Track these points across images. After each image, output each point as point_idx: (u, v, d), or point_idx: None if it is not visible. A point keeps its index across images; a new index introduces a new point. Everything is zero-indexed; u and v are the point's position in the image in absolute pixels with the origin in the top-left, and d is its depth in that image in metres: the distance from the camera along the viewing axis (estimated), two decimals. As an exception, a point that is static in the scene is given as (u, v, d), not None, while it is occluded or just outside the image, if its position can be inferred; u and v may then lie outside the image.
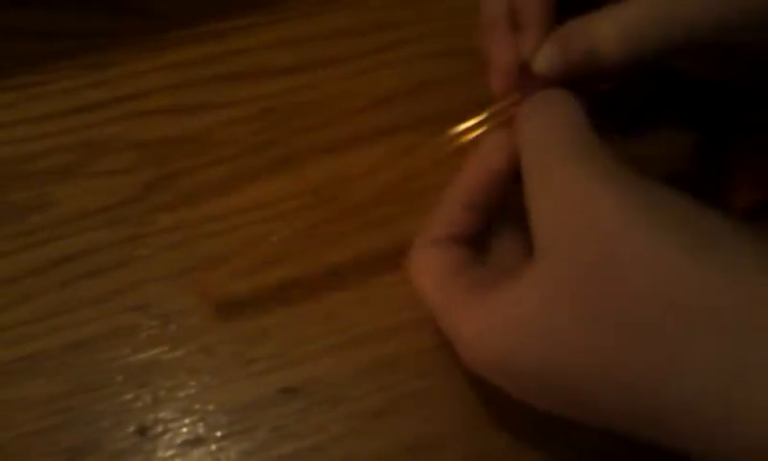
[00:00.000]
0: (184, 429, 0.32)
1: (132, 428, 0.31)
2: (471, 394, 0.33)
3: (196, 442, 0.31)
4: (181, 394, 0.32)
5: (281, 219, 0.38)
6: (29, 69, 0.41)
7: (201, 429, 0.32)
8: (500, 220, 0.31)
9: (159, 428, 0.32)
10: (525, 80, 0.30)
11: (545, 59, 0.29)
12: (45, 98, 0.41)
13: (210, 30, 0.44)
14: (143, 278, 0.35)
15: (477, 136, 0.31)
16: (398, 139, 0.40)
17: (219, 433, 0.32)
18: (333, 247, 0.36)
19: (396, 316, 0.35)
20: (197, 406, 0.32)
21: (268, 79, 0.42)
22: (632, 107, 0.34)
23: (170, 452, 0.31)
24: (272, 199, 0.38)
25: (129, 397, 0.32)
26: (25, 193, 0.38)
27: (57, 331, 0.34)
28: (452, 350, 0.34)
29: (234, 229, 0.37)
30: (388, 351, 0.34)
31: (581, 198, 0.24)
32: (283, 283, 0.35)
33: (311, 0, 0.45)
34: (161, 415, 0.32)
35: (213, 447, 0.31)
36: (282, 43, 0.44)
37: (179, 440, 0.31)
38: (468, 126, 0.32)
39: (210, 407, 0.32)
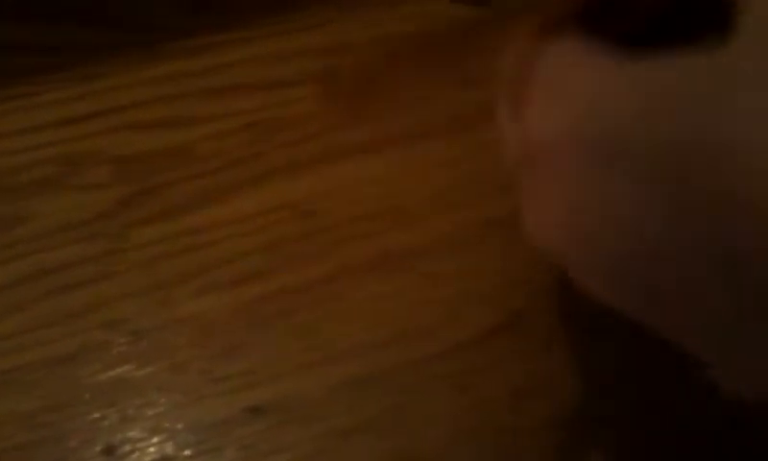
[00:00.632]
0: (152, 449, 0.32)
1: (99, 448, 0.31)
2: (446, 412, 0.33)
3: (164, 461, 0.31)
4: (150, 412, 0.32)
5: (260, 233, 0.37)
6: (12, 82, 0.41)
7: (169, 448, 0.32)
8: None
9: (127, 447, 0.31)
10: None
11: None
12: (29, 111, 0.41)
13: (197, 44, 0.43)
14: (118, 293, 0.35)
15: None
16: (381, 155, 0.40)
17: (187, 452, 0.32)
18: (310, 262, 0.36)
19: (371, 333, 0.34)
20: (166, 425, 0.32)
21: (252, 93, 0.42)
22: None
23: (137, 471, 0.31)
24: (252, 213, 0.38)
25: (97, 415, 0.32)
26: (5, 207, 0.38)
27: (33, 347, 0.34)
28: (426, 367, 0.34)
29: (212, 243, 0.37)
30: (361, 369, 0.34)
31: None
32: (258, 299, 0.35)
33: (301, 16, 0.45)
34: (129, 434, 0.32)
35: (181, 466, 0.31)
36: (266, 59, 0.43)
37: (146, 459, 0.31)
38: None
39: (179, 426, 0.32)
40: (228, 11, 0.45)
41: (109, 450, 0.31)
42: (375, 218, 0.37)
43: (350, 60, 0.43)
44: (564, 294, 0.35)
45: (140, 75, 0.43)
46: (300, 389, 0.33)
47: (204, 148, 0.40)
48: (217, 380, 0.33)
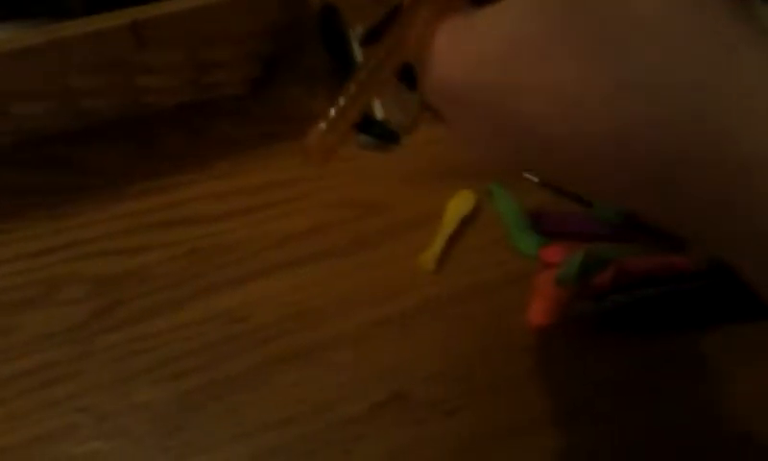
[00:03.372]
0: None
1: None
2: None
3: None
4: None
5: (199, 337, 0.48)
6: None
7: (127, 503, 0.42)
8: None
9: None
10: None
11: None
12: (13, 243, 0.52)
13: (149, 186, 0.55)
14: (87, 386, 0.45)
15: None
16: (296, 273, 0.51)
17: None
18: (236, 358, 0.47)
19: (284, 411, 0.45)
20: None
21: (194, 225, 0.54)
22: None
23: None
24: (193, 321, 0.49)
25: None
26: (-2, 320, 0.48)
27: (19, 429, 0.44)
28: (324, 435, 0.44)
29: (161, 345, 0.48)
30: (276, 439, 0.44)
31: None
32: (195, 389, 0.46)
33: (233, 161, 0.57)
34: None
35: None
36: (207, 198, 0.55)
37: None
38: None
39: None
40: (173, 158, 0.57)
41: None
42: (292, 321, 0.48)
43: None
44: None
45: (104, 213, 0.54)
46: (229, 457, 0.43)
47: (156, 270, 0.51)
48: (166, 449, 0.43)
